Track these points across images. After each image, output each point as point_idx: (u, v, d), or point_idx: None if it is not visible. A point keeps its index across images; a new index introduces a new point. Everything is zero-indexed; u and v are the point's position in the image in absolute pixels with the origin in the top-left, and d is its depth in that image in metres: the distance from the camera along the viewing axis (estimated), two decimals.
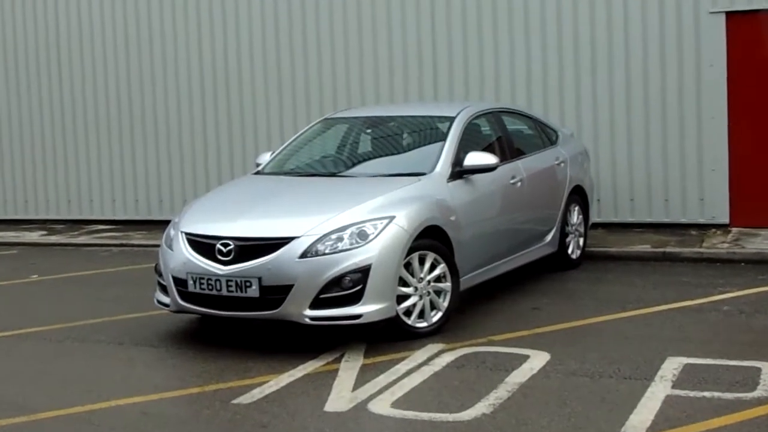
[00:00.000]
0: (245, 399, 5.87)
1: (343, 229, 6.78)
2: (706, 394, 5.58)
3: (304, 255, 6.66)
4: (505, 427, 5.22)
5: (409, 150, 8.28)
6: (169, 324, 7.71)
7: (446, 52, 11.69)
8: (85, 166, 13.56)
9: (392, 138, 8.51)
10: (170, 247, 7.22)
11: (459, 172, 7.71)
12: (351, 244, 6.72)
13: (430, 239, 7.14)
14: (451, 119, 8.17)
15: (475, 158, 7.71)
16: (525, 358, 6.47)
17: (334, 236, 6.74)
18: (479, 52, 11.56)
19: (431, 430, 5.24)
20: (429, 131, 8.35)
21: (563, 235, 9.24)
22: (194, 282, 6.89)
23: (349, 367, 6.44)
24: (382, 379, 6.12)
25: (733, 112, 10.71)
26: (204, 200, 7.84)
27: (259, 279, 6.66)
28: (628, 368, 6.13)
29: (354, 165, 8.22)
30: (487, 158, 7.74)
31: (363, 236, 6.76)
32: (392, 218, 6.89)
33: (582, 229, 9.67)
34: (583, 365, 6.24)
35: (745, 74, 10.66)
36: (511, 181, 8.35)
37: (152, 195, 13.20)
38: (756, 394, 5.56)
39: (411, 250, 6.94)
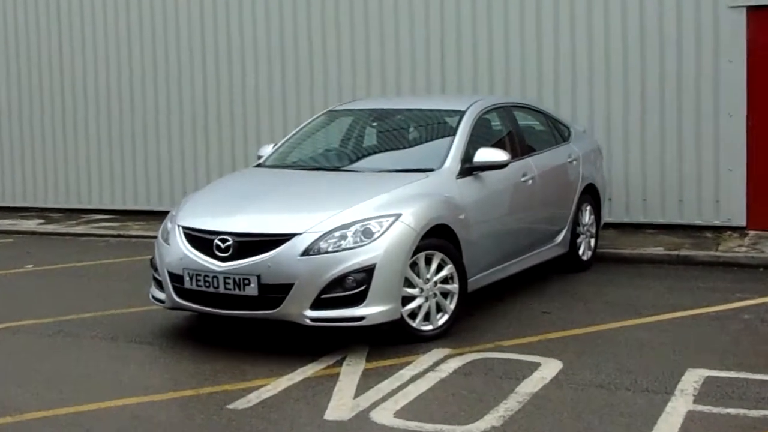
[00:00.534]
0: (241, 404, 5.57)
1: (347, 226, 6.47)
2: (731, 410, 5.27)
3: (305, 253, 6.35)
4: None
5: (417, 145, 7.95)
6: (165, 320, 7.41)
7: (455, 45, 11.35)
8: (84, 154, 13.25)
9: (399, 132, 8.19)
10: (167, 241, 6.92)
11: (469, 168, 7.40)
12: (355, 242, 6.41)
13: (438, 238, 6.83)
14: (461, 113, 7.85)
15: (485, 154, 7.40)
16: (536, 366, 6.16)
17: (337, 234, 6.43)
18: (489, 45, 11.22)
19: None
20: (438, 125, 8.02)
21: (574, 235, 8.92)
22: (191, 278, 6.59)
23: (351, 371, 6.13)
24: (386, 386, 5.82)
25: (752, 110, 10.37)
26: (203, 193, 7.53)
27: (258, 277, 6.35)
28: (645, 380, 5.81)
29: (359, 159, 7.90)
30: (498, 155, 7.42)
31: (368, 234, 6.45)
32: (398, 216, 6.57)
33: (593, 230, 9.35)
34: (597, 375, 5.93)
35: (766, 71, 10.31)
36: (522, 179, 8.03)
37: (152, 185, 12.89)
38: None
39: (417, 250, 6.63)
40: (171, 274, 6.76)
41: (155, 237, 7.24)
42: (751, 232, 10.35)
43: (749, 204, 10.45)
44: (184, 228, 6.82)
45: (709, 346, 6.57)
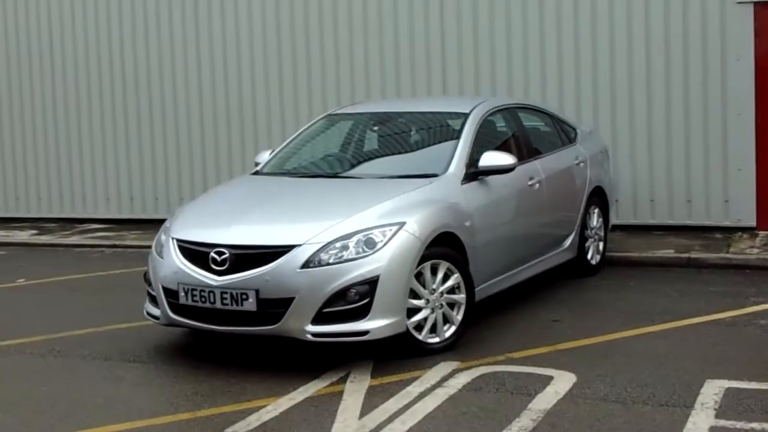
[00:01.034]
0: (240, 427, 5.29)
1: (349, 236, 6.19)
2: (755, 425, 4.99)
3: (305, 265, 6.07)
4: None
5: (420, 149, 7.67)
6: (161, 337, 7.13)
7: (456, 46, 11.08)
8: (78, 162, 12.98)
9: (401, 136, 7.91)
10: (160, 254, 6.64)
11: (474, 173, 7.12)
12: (357, 253, 6.13)
13: (443, 247, 6.55)
14: (465, 116, 7.57)
15: (491, 158, 7.12)
16: (548, 379, 5.88)
17: (338, 244, 6.15)
18: (490, 45, 10.96)
19: None
20: (441, 129, 7.75)
21: (582, 239, 8.66)
22: (186, 293, 6.31)
23: (355, 389, 5.85)
24: (392, 404, 5.54)
25: (761, 109, 10.11)
26: (197, 203, 7.25)
27: (257, 291, 6.07)
28: (663, 393, 5.54)
29: (360, 165, 7.61)
30: (504, 158, 7.15)
31: (370, 244, 6.17)
32: (402, 224, 6.30)
33: (602, 233, 9.08)
34: (613, 389, 5.66)
35: None
36: (529, 183, 7.76)
37: (147, 193, 12.62)
38: None
39: (422, 259, 6.35)
40: (165, 289, 6.48)
41: (151, 247, 6.97)
42: (762, 233, 10.09)
43: (759, 204, 10.19)
44: (179, 241, 6.54)
45: (728, 354, 6.30)
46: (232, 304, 6.14)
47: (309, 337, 6.09)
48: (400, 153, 7.78)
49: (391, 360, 6.33)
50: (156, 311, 6.65)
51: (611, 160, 10.18)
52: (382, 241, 6.19)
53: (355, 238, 6.18)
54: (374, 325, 6.09)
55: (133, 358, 6.70)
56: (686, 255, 9.23)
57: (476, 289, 6.82)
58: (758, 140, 10.14)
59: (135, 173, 12.65)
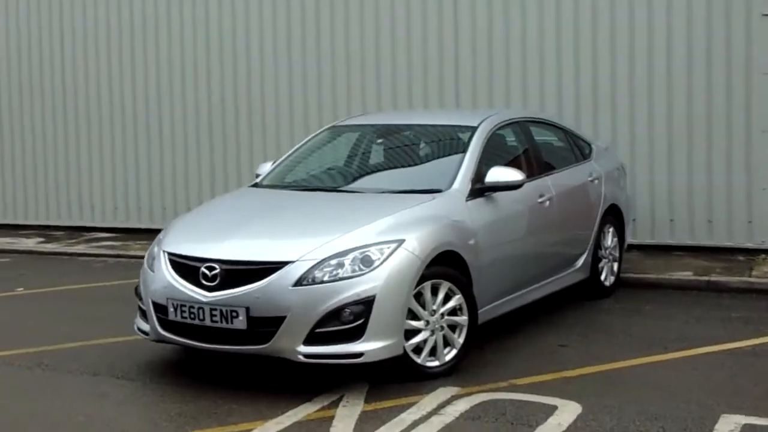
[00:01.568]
0: None
1: (345, 253, 5.90)
2: None
3: (298, 283, 5.79)
4: None
5: (425, 163, 7.38)
6: (153, 353, 6.87)
7: (470, 58, 10.78)
8: (86, 171, 12.80)
9: (405, 149, 7.62)
10: (151, 267, 6.39)
11: (480, 189, 6.82)
12: (353, 271, 5.85)
13: (445, 266, 6.25)
14: (473, 129, 7.28)
15: (498, 174, 6.82)
16: (552, 409, 5.56)
17: (333, 262, 5.86)
18: (506, 56, 10.64)
19: None
20: (447, 142, 7.46)
21: (596, 259, 8.32)
22: (175, 309, 6.05)
23: (347, 414, 5.56)
24: None
25: None
26: (192, 216, 7.00)
27: (247, 309, 5.80)
28: (674, 427, 5.21)
29: (361, 179, 7.33)
30: (512, 174, 6.84)
31: (367, 262, 5.88)
32: (401, 242, 6.00)
33: (616, 253, 8.74)
34: (620, 422, 5.33)
35: None
36: (539, 200, 7.44)
37: (155, 202, 12.41)
38: None
39: (422, 279, 6.06)
40: (155, 304, 6.23)
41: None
42: None
43: None
44: (170, 254, 6.29)
45: (745, 387, 5.94)
46: (221, 322, 5.87)
47: (301, 357, 5.81)
48: (403, 167, 7.46)
49: (387, 384, 6.04)
50: (146, 326, 6.41)
51: (629, 177, 9.86)
52: (379, 259, 5.90)
53: (351, 256, 5.90)
54: (369, 347, 5.80)
55: (121, 375, 6.45)
56: (706, 278, 8.86)
57: (479, 311, 6.51)
58: None
59: (143, 183, 12.45)
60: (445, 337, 6.24)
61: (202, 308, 5.91)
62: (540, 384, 6.07)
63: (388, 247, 5.96)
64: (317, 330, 5.77)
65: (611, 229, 8.64)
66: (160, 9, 12.24)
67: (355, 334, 5.79)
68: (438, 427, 5.32)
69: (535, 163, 7.72)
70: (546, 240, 7.56)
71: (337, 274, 5.83)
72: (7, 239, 12.35)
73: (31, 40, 13.03)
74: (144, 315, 6.44)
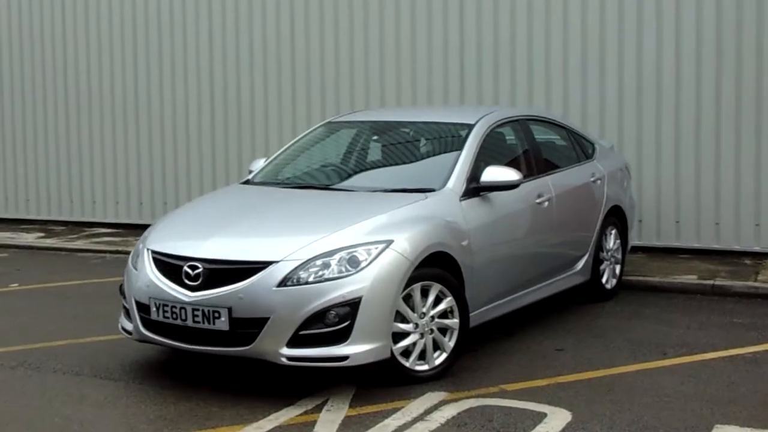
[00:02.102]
0: None
1: (331, 253, 5.74)
2: None
3: (282, 283, 5.63)
4: None
5: (419, 161, 7.22)
6: (138, 353, 6.73)
7: (475, 55, 10.59)
8: (88, 166, 12.69)
9: (401, 147, 7.45)
10: (135, 265, 6.25)
11: (475, 189, 6.64)
12: (339, 272, 5.68)
13: (436, 268, 6.08)
14: (470, 127, 7.10)
15: (493, 173, 6.64)
16: (541, 416, 5.39)
17: (319, 262, 5.70)
18: (510, 53, 10.45)
19: None
20: (443, 140, 7.28)
21: (597, 262, 8.12)
22: (157, 309, 5.90)
23: (330, 418, 5.40)
24: None
25: None
26: (178, 213, 6.84)
27: (229, 309, 5.65)
28: None
29: (354, 177, 7.16)
30: (508, 174, 6.66)
31: (354, 263, 5.72)
32: (390, 242, 5.83)
33: (619, 256, 8.54)
34: (610, 431, 5.15)
35: None
36: (538, 201, 7.26)
37: (156, 198, 12.28)
38: None
39: (412, 280, 5.89)
40: (138, 303, 6.09)
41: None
42: None
43: None
44: (153, 252, 6.15)
45: (743, 396, 5.74)
46: (203, 322, 5.72)
47: (284, 360, 5.65)
48: (397, 165, 7.30)
49: (375, 387, 5.88)
50: (130, 326, 6.27)
51: (635, 177, 9.66)
52: (366, 259, 5.73)
53: (337, 256, 5.74)
54: (355, 350, 5.64)
55: (104, 375, 6.31)
56: (710, 282, 8.65)
57: (471, 314, 6.33)
58: None
59: (145, 178, 12.33)
60: (435, 341, 6.07)
61: (184, 308, 5.77)
62: (531, 390, 5.89)
63: (376, 248, 5.79)
64: (301, 332, 5.61)
65: (614, 231, 8.44)
66: (163, 7, 12.10)
67: (341, 337, 5.63)
68: None
69: (535, 162, 7.54)
70: (544, 241, 7.38)
71: (323, 274, 5.67)
72: (8, 234, 12.26)
73: (33, 35, 12.92)
74: (128, 314, 6.30)
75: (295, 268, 5.66)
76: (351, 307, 5.62)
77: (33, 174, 13.06)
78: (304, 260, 5.69)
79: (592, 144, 8.60)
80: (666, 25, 9.85)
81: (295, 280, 5.64)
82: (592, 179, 8.15)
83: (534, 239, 7.23)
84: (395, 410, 5.52)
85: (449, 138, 7.23)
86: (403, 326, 5.89)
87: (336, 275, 5.67)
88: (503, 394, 5.81)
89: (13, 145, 13.16)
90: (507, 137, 7.57)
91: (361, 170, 7.30)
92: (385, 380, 5.92)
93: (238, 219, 6.32)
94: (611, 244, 8.38)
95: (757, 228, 9.68)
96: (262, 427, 5.29)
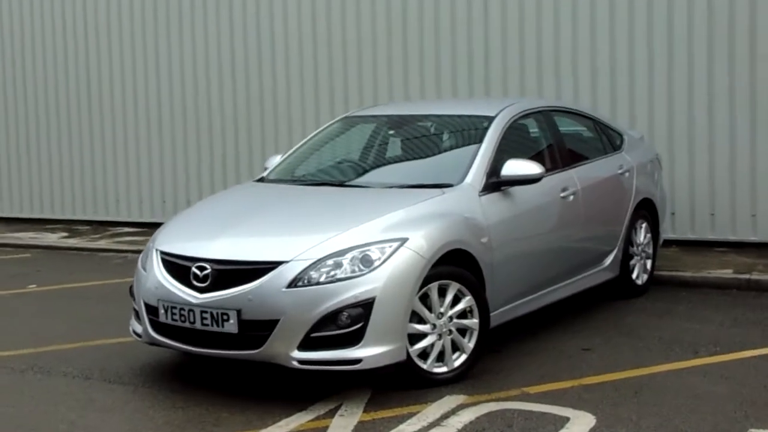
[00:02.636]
0: None
1: (343, 252, 5.51)
2: None
3: (293, 284, 5.42)
4: None
5: (437, 155, 6.96)
6: (149, 355, 6.56)
7: (500, 42, 10.32)
8: (111, 164, 12.61)
9: (419, 141, 7.20)
10: (144, 266, 6.07)
11: (495, 183, 6.38)
12: (352, 271, 5.45)
13: (454, 266, 5.83)
14: (490, 119, 6.83)
15: (514, 167, 6.37)
16: (563, 421, 5.13)
17: (330, 261, 5.47)
18: (537, 42, 10.16)
19: None
20: (463, 133, 7.02)
21: (626, 257, 7.83)
22: (166, 311, 5.72)
23: (342, 424, 5.19)
24: None
25: None
26: (188, 212, 6.66)
27: (238, 311, 5.44)
28: None
29: (370, 173, 6.91)
30: (529, 167, 6.39)
31: (366, 262, 5.49)
32: (404, 240, 5.60)
33: (650, 250, 8.23)
34: None
35: None
36: (562, 195, 6.98)
37: (180, 195, 12.16)
38: None
39: (428, 279, 5.64)
40: (147, 306, 5.91)
41: None
42: None
43: None
44: (162, 253, 5.96)
45: None
46: (212, 325, 5.53)
47: (295, 364, 5.43)
48: (415, 160, 7.05)
49: (392, 390, 5.65)
50: (140, 329, 6.09)
51: (667, 168, 9.34)
52: (380, 258, 5.50)
53: (349, 255, 5.51)
54: (368, 352, 5.40)
55: (114, 379, 6.15)
56: (746, 276, 8.32)
57: (492, 314, 6.08)
58: None
59: (167, 176, 12.21)
60: (454, 342, 5.83)
61: (193, 310, 5.58)
62: (555, 392, 5.63)
63: (390, 246, 5.56)
64: (313, 334, 5.39)
65: (644, 225, 8.14)
66: (184, 3, 11.96)
67: (354, 339, 5.40)
68: None
69: (559, 154, 7.26)
70: (569, 237, 7.10)
71: (335, 274, 5.45)
72: (32, 234, 12.20)
73: (55, 36, 12.86)
74: (138, 316, 6.12)
75: (306, 268, 5.44)
76: (364, 308, 5.39)
77: (57, 174, 12.99)
78: (315, 260, 5.47)
79: (620, 135, 8.30)
80: (698, 10, 9.50)
81: (305, 281, 5.42)
82: (620, 171, 7.86)
83: (558, 235, 6.96)
84: (411, 415, 5.29)
85: (469, 131, 6.97)
86: (419, 327, 5.65)
87: (348, 275, 5.44)
88: (525, 397, 5.56)
89: (38, 146, 13.11)
90: (530, 129, 7.30)
91: (377, 166, 7.05)
92: (402, 383, 5.69)
93: (249, 218, 6.11)
94: (641, 239, 8.08)
95: None
96: None
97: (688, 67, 9.57)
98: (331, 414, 5.35)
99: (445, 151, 6.98)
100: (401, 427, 5.13)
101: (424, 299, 5.68)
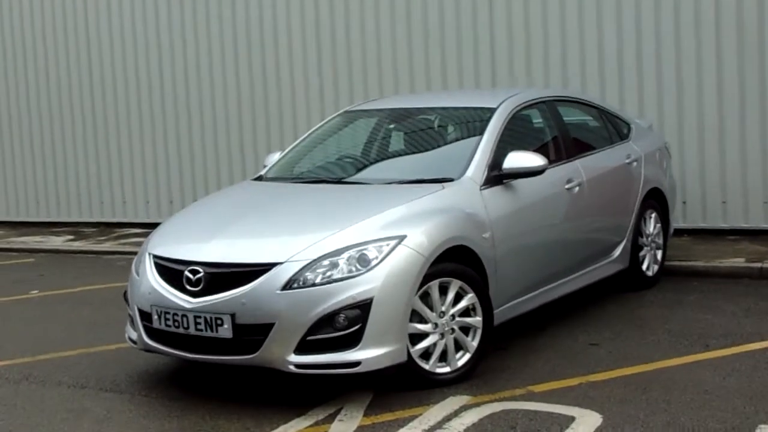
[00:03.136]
0: None
1: (339, 252, 5.35)
2: None
3: (287, 286, 5.26)
4: None
5: (437, 149, 6.79)
6: (147, 362, 6.41)
7: (505, 31, 10.13)
8: (117, 165, 12.50)
9: (418, 135, 7.03)
10: (137, 271, 5.94)
11: (497, 176, 6.20)
12: (349, 271, 5.29)
13: (455, 263, 5.67)
14: (492, 111, 6.65)
15: (516, 159, 6.19)
16: (569, 420, 4.97)
17: (326, 262, 5.32)
18: (543, 29, 9.97)
19: None
20: (463, 126, 6.85)
21: (636, 248, 7.64)
22: (159, 317, 5.58)
23: (341, 429, 5.04)
24: None
25: None
26: (182, 214, 6.51)
27: (232, 316, 5.30)
28: None
29: (368, 168, 6.76)
30: (532, 159, 6.21)
31: (363, 262, 5.33)
32: (402, 238, 5.44)
33: (660, 240, 8.04)
34: None
35: None
36: (567, 186, 6.80)
37: (186, 196, 12.03)
38: None
39: (429, 277, 5.48)
40: (141, 311, 5.77)
41: None
42: None
43: None
44: (155, 257, 5.82)
45: None
46: (206, 330, 5.38)
47: (292, 368, 5.28)
48: (415, 154, 6.88)
49: (395, 392, 5.49)
50: (135, 335, 5.95)
51: (676, 155, 9.15)
52: (377, 257, 5.34)
53: (346, 255, 5.35)
54: (367, 355, 5.25)
55: (110, 387, 6.01)
56: (759, 265, 8.12)
57: (496, 311, 5.92)
58: None
59: (174, 176, 12.09)
60: (457, 341, 5.67)
61: (186, 315, 5.43)
62: (561, 390, 5.46)
63: (387, 245, 5.40)
64: (309, 337, 5.24)
65: (653, 215, 7.95)
66: (186, 8, 11.84)
67: (351, 342, 5.25)
68: None
69: (564, 145, 7.08)
70: (576, 229, 6.92)
71: (331, 275, 5.29)
72: (37, 238, 12.11)
73: (57, 39, 12.74)
74: (133, 322, 5.99)
75: (301, 269, 5.29)
76: (361, 309, 5.24)
77: (63, 176, 12.90)
78: (311, 260, 5.32)
79: (628, 124, 8.11)
80: (704, 4, 9.29)
81: (301, 282, 5.27)
82: (627, 161, 7.67)
83: (564, 227, 6.78)
84: (412, 418, 5.14)
85: (469, 123, 6.79)
86: (421, 327, 5.50)
87: (345, 275, 5.28)
88: (530, 396, 5.39)
89: (42, 148, 13.02)
90: (533, 120, 7.12)
91: (377, 161, 6.90)
92: (404, 385, 5.54)
93: (243, 218, 5.96)
94: (651, 229, 7.90)
95: None
96: None
97: (695, 54, 9.35)
98: (330, 418, 5.20)
99: (446, 144, 6.82)
100: (402, 431, 4.98)
101: (425, 298, 5.52)
